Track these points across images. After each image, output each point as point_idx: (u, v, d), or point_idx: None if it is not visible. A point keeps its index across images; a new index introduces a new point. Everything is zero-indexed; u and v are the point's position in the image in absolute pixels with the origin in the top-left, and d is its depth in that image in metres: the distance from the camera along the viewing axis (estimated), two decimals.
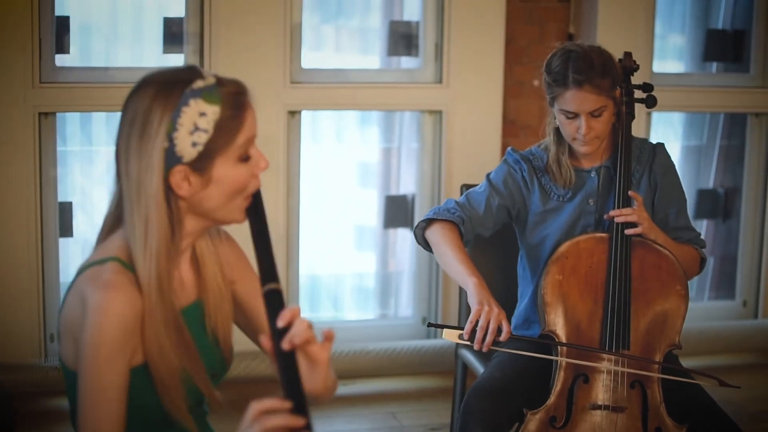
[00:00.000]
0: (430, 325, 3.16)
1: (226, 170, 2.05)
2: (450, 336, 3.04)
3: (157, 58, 4.68)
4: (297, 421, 1.85)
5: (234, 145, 2.04)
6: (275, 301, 2.02)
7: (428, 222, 3.29)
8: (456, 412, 3.68)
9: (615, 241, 3.16)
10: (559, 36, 5.13)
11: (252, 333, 2.33)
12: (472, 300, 3.03)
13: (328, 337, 2.05)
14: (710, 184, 5.56)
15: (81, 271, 2.09)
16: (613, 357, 3.06)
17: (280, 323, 1.97)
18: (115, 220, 2.14)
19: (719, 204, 5.54)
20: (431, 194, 4.99)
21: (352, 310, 5.27)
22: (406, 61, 5.03)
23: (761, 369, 5.23)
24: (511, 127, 5.10)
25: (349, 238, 5.27)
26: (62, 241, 4.65)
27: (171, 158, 2.01)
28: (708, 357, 5.18)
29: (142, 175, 2.01)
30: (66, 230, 4.68)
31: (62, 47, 4.56)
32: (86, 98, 4.52)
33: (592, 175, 3.33)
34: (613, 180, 3.30)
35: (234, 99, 2.05)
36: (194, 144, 2.00)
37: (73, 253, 4.74)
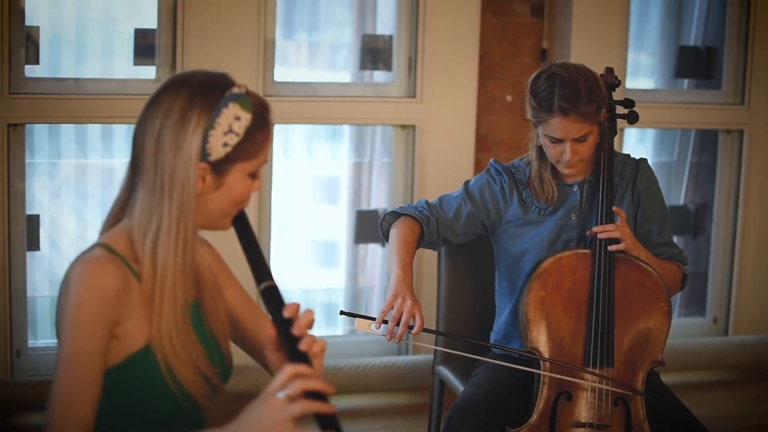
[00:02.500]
0: (342, 313, 3.13)
1: (237, 180, 2.14)
2: (362, 325, 3.04)
3: (127, 69, 4.63)
4: (329, 388, 1.91)
5: (257, 157, 2.15)
6: (275, 295, 2.10)
7: (396, 216, 3.29)
8: (432, 429, 3.64)
9: (598, 258, 3.13)
10: (532, 52, 5.12)
11: (236, 338, 2.38)
12: (389, 291, 3.03)
13: (321, 347, 2.09)
14: (681, 201, 5.56)
15: (70, 267, 2.12)
16: (596, 375, 3.05)
17: (287, 313, 2.06)
18: (122, 207, 2.19)
19: (690, 221, 5.54)
20: None
21: (321, 326, 5.22)
22: (379, 75, 5.00)
23: (731, 386, 5.23)
24: (483, 142, 5.08)
25: (319, 254, 5.23)
26: (29, 255, 4.57)
27: (202, 154, 2.09)
28: (678, 374, 5.18)
29: (178, 167, 2.08)
30: (33, 244, 4.60)
31: (32, 58, 4.49)
32: (56, 110, 4.45)
33: (575, 190, 3.30)
34: (595, 195, 3.27)
35: (261, 112, 2.15)
36: (225, 144, 2.09)
37: (40, 268, 4.67)
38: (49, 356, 4.49)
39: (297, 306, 2.08)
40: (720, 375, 5.32)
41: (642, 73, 5.51)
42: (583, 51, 4.92)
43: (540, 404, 3.04)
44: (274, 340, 2.10)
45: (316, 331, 5.15)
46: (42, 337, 4.68)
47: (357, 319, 3.05)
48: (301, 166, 5.13)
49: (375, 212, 5.09)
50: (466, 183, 3.37)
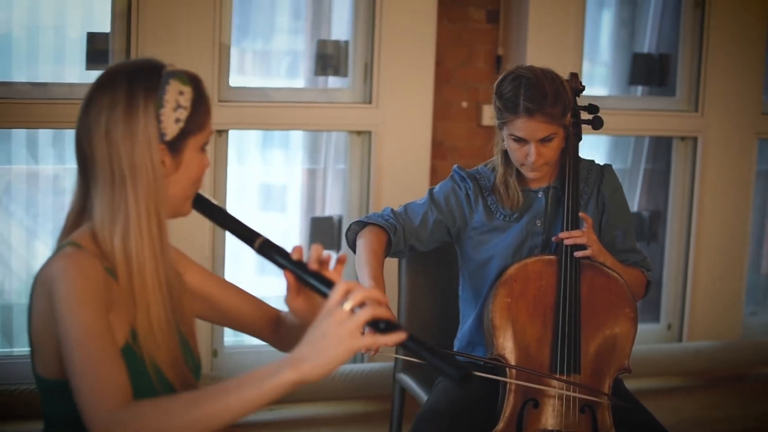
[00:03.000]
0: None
1: (192, 156, 2.11)
2: None
3: (80, 74, 4.56)
4: (383, 297, 1.93)
5: (205, 129, 2.12)
6: (273, 247, 2.09)
7: (362, 226, 3.25)
8: None
9: (564, 264, 3.11)
10: (487, 58, 5.11)
11: (218, 316, 2.37)
12: None
13: (341, 260, 2.10)
14: (635, 208, 5.57)
15: (37, 274, 2.05)
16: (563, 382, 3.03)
17: (296, 256, 2.06)
18: (77, 217, 2.11)
19: (644, 227, 5.55)
20: (359, 215, 4.93)
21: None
22: (334, 81, 4.96)
23: (687, 392, 5.24)
24: (438, 149, 5.06)
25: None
26: None
27: (159, 135, 2.06)
28: (633, 380, 5.16)
29: (137, 154, 2.03)
30: None
31: None
32: (6, 114, 4.37)
33: (540, 196, 3.28)
34: (560, 201, 3.25)
35: (197, 84, 2.12)
36: (177, 120, 2.07)
37: None
38: None
39: (300, 247, 2.08)
40: (675, 381, 5.33)
41: (596, 80, 5.52)
42: (539, 57, 4.90)
43: (506, 412, 3.01)
44: (293, 286, 2.09)
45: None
46: None
47: None
48: (255, 173, 5.08)
49: (330, 219, 5.05)
50: (431, 190, 3.35)
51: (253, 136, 5.02)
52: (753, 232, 5.66)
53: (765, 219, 5.84)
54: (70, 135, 4.65)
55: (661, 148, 5.55)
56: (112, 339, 1.98)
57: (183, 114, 2.06)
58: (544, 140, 3.13)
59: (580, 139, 3.31)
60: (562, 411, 3.02)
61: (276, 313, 2.39)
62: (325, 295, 1.98)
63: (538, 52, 4.96)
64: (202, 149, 2.14)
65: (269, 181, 5.12)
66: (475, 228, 3.27)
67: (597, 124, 3.35)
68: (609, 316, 3.12)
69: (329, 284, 2.00)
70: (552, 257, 3.15)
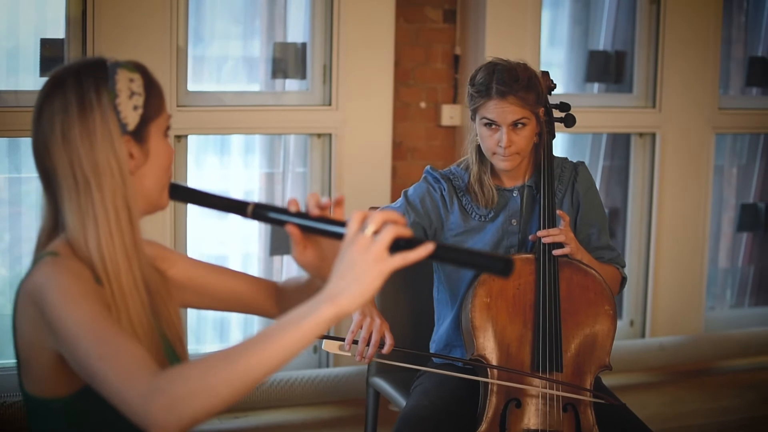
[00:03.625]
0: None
1: (158, 143, 2.05)
2: (330, 347, 3.00)
3: (34, 81, 4.48)
4: (401, 217, 1.87)
5: (163, 113, 2.07)
6: (266, 207, 2.04)
7: None
8: None
9: (542, 262, 3.10)
10: (445, 58, 5.09)
11: (215, 303, 2.31)
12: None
13: (339, 203, 2.05)
14: None
15: (19, 288, 1.98)
16: (545, 381, 3.01)
17: (293, 208, 2.01)
18: (50, 233, 2.04)
19: None
20: None
21: (239, 340, 5.09)
22: (292, 84, 4.91)
23: (652, 387, 5.24)
24: (397, 150, 5.02)
25: (234, 266, 5.12)
26: None
27: (121, 127, 1.99)
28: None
29: (98, 151, 1.97)
30: None
31: None
32: None
33: (515, 195, 3.27)
34: (536, 199, 3.25)
35: (143, 70, 2.05)
36: (135, 107, 2.01)
37: None
38: None
39: (295, 199, 2.01)
40: (640, 377, 5.33)
41: (553, 77, 5.49)
42: (497, 55, 4.89)
43: (489, 412, 2.99)
44: (300, 239, 2.04)
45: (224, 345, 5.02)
46: None
47: (325, 340, 2.99)
48: (214, 177, 5.02)
49: None
50: (405, 192, 3.33)
51: (212, 140, 4.96)
52: (711, 226, 5.68)
53: (723, 214, 5.86)
54: (25, 143, 4.63)
55: (618, 144, 5.55)
56: (117, 321, 1.92)
57: (139, 100, 2.00)
58: (516, 126, 3.15)
59: (554, 136, 3.31)
60: (545, 410, 3.01)
61: (273, 285, 2.32)
62: (338, 236, 1.91)
63: (495, 51, 4.91)
64: (165, 135, 2.08)
65: (228, 186, 5.06)
66: (451, 229, 3.25)
67: (569, 122, 3.36)
68: (588, 313, 3.11)
69: (340, 223, 1.94)
70: (530, 256, 3.14)
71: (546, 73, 3.36)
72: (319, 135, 4.88)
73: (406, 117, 5.04)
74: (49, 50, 4.47)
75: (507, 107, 3.14)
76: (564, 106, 3.37)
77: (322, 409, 4.77)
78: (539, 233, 3.12)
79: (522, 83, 3.14)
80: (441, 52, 5.09)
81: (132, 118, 1.99)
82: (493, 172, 3.27)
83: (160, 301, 2.13)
